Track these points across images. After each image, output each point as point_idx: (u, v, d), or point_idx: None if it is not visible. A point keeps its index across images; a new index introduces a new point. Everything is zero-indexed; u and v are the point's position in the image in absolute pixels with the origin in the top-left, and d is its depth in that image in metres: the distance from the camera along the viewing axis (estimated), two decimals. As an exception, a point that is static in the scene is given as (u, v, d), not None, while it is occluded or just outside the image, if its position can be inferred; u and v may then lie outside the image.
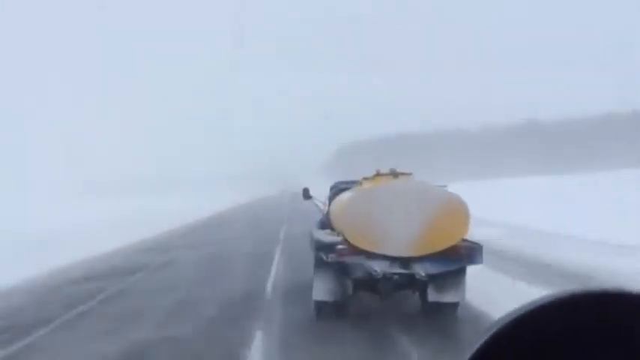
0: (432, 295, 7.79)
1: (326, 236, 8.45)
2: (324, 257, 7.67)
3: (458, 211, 7.40)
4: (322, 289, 8.17)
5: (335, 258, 7.60)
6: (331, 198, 10.62)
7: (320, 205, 12.09)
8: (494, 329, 0.81)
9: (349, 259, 7.59)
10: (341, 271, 8.02)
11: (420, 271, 7.37)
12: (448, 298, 7.81)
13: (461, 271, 7.75)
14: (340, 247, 7.62)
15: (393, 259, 7.46)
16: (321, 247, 7.76)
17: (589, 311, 0.83)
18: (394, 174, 8.13)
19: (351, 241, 7.53)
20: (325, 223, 10.92)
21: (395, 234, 7.38)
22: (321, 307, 8.27)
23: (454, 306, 7.99)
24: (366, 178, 9.52)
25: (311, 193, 12.28)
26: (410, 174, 8.20)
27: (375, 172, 9.39)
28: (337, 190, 10.64)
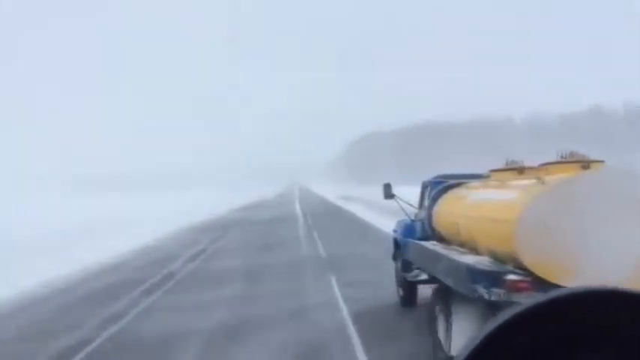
0: None
1: (470, 257, 5.63)
2: (485, 293, 4.83)
3: None
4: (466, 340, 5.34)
5: (502, 294, 4.77)
6: (435, 198, 7.78)
7: (405, 205, 9.25)
8: (490, 329, 0.79)
9: (526, 298, 4.74)
10: (495, 311, 5.19)
11: None
12: None
13: None
14: (513, 278, 4.79)
15: None
16: (480, 278, 4.92)
17: (586, 310, 0.80)
18: (581, 162, 5.23)
19: (533, 269, 4.70)
20: (420, 232, 8.11)
21: (606, 260, 4.54)
22: None
23: None
24: (497, 171, 6.70)
25: (384, 191, 9.51)
26: (601, 161, 5.33)
27: (507, 162, 6.57)
28: (444, 187, 7.80)
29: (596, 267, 4.58)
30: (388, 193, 9.39)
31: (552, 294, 0.78)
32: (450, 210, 6.99)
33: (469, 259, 5.60)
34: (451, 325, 5.50)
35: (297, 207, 43.77)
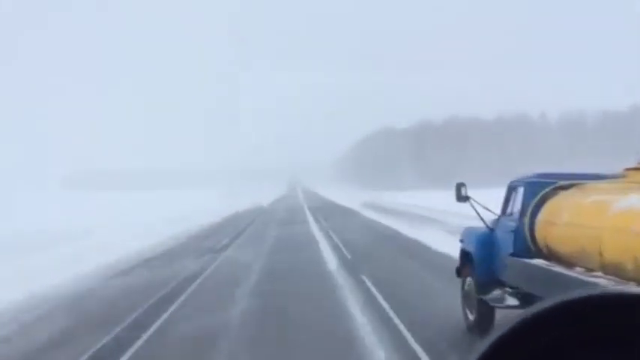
0: None
1: (602, 280, 3.97)
2: None
3: None
4: None
5: None
6: (537, 204, 6.05)
7: (480, 210, 7.52)
8: (500, 333, 0.78)
9: None
10: None
11: None
12: None
13: None
14: None
15: None
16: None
17: (597, 314, 0.79)
18: None
19: None
20: (515, 245, 6.41)
21: None
22: None
23: None
24: (632, 169, 4.99)
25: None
26: None
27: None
28: (554, 188, 6.07)
29: None
30: (461, 196, 7.66)
31: (566, 296, 0.77)
32: (570, 219, 5.27)
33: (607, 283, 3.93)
34: None
35: (315, 229, 24.04)
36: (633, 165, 5.40)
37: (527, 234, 6.11)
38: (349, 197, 50.49)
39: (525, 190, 6.50)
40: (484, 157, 77.57)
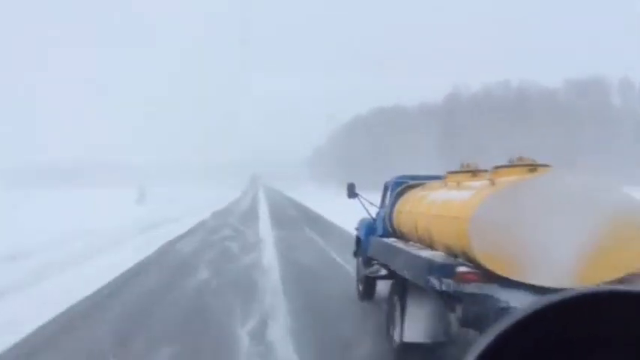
0: None
1: (428, 252, 6.06)
2: (436, 283, 5.23)
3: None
4: (418, 327, 5.81)
5: (452, 285, 5.18)
6: (395, 198, 8.19)
7: (366, 204, 9.63)
8: (498, 331, 0.78)
9: (474, 288, 5.18)
10: (447, 301, 5.63)
11: None
12: None
13: None
14: (463, 270, 5.21)
15: (541, 292, 5.08)
16: (434, 269, 5.33)
17: (593, 312, 0.80)
18: (528, 165, 5.71)
19: (482, 263, 5.13)
20: (382, 230, 8.52)
21: (548, 255, 5.00)
22: (412, 351, 5.90)
23: None
24: (454, 172, 7.14)
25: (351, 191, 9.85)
26: (548, 166, 5.82)
27: (462, 165, 7.05)
28: (404, 187, 8.22)
29: (538, 261, 5.03)
30: (352, 193, 9.76)
31: (558, 296, 0.78)
32: (409, 209, 7.40)
33: (425, 253, 6.01)
34: (405, 314, 5.91)
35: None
36: (455, 169, 7.53)
37: (388, 221, 8.24)
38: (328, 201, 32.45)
39: (389, 189, 8.67)
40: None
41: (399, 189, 8.24)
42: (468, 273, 5.17)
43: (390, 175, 9.18)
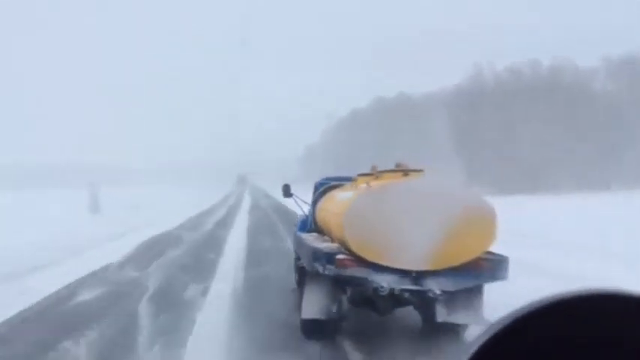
0: (441, 315, 6.58)
1: (322, 243, 7.20)
2: (321, 268, 6.38)
3: (484, 218, 6.23)
4: (313, 306, 6.92)
5: (333, 270, 6.33)
6: (318, 197, 9.33)
7: (301, 203, 10.76)
8: (493, 331, 0.79)
9: (352, 272, 6.33)
10: (336, 285, 6.78)
11: (434, 287, 6.20)
12: (460, 319, 6.63)
13: (478, 288, 6.60)
14: (341, 257, 6.35)
15: (403, 274, 6.25)
16: (319, 257, 6.47)
17: (589, 313, 0.80)
18: (403, 171, 6.88)
19: (355, 251, 6.27)
20: (309, 225, 9.64)
21: (407, 244, 6.15)
22: (310, 326, 7.02)
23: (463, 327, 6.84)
24: (363, 175, 8.27)
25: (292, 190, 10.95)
26: (420, 170, 6.98)
27: (372, 168, 8.17)
28: (326, 187, 9.36)
29: (403, 251, 6.19)
30: (287, 193, 10.88)
31: (555, 296, 0.78)
32: (324, 207, 8.54)
33: (323, 245, 7.15)
34: (303, 295, 7.05)
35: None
36: (365, 172, 8.65)
37: (312, 217, 9.38)
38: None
39: (315, 189, 9.80)
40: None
41: (322, 189, 9.38)
42: (345, 260, 6.31)
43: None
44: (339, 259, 6.32)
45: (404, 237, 6.15)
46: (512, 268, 6.46)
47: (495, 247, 6.57)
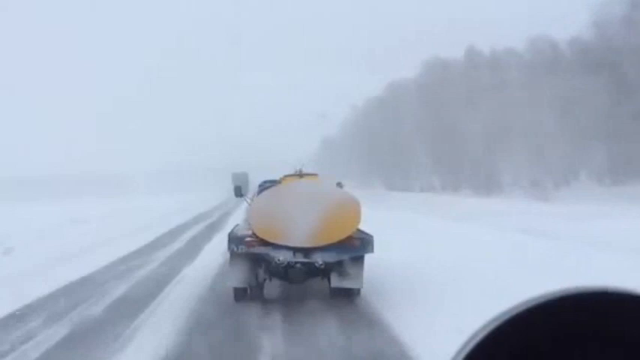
0: (335, 282, 8.82)
1: (240, 230, 9.42)
2: (235, 248, 8.62)
3: (350, 207, 8.48)
4: (236, 277, 9.11)
5: (244, 249, 8.57)
6: (255, 195, 11.56)
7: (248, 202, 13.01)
8: (490, 328, 0.81)
9: (256, 250, 8.56)
10: (253, 260, 9.00)
11: (319, 259, 8.41)
12: (348, 284, 8.86)
13: (359, 260, 8.79)
14: (248, 239, 8.59)
15: (295, 250, 8.47)
16: (233, 240, 8.72)
17: (587, 310, 0.82)
18: (300, 175, 9.16)
19: (259, 234, 8.51)
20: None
21: (296, 227, 8.39)
22: (237, 292, 9.23)
23: (357, 291, 9.04)
24: (287, 176, 10.52)
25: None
26: (315, 174, 9.24)
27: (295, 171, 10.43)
28: (262, 188, 11.60)
29: (294, 232, 8.42)
30: (238, 193, 13.12)
31: (552, 294, 0.79)
32: (252, 204, 10.81)
33: (237, 230, 9.38)
34: (230, 269, 9.29)
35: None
36: (290, 173, 10.89)
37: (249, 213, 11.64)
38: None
39: (258, 189, 12.05)
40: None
41: (260, 189, 11.63)
42: (252, 241, 8.55)
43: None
44: (246, 241, 8.56)
45: (294, 223, 8.40)
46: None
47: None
